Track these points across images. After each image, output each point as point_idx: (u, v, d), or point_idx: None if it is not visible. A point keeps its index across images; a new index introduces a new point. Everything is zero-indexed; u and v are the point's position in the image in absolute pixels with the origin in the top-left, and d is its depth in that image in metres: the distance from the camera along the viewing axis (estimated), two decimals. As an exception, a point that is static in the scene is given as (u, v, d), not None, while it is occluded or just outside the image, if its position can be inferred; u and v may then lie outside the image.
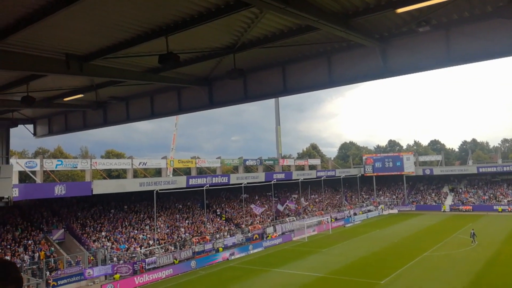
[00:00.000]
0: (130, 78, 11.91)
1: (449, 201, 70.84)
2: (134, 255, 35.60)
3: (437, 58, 9.88)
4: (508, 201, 65.69)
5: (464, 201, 69.15)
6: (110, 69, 11.27)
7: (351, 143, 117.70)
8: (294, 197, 61.91)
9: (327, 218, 55.90)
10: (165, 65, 10.09)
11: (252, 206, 51.73)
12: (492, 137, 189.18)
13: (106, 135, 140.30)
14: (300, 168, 69.25)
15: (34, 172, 34.72)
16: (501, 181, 71.68)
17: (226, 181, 47.91)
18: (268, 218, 53.35)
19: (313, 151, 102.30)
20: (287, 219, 54.27)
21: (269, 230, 48.90)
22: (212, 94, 13.64)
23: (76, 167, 39.91)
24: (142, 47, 9.71)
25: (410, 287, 26.63)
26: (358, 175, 74.16)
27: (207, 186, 44.83)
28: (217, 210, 51.55)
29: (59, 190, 30.29)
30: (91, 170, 38.95)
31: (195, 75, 13.01)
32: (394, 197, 77.15)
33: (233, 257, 39.39)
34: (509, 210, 62.81)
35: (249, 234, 46.55)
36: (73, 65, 10.38)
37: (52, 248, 33.21)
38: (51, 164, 35.86)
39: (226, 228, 47.32)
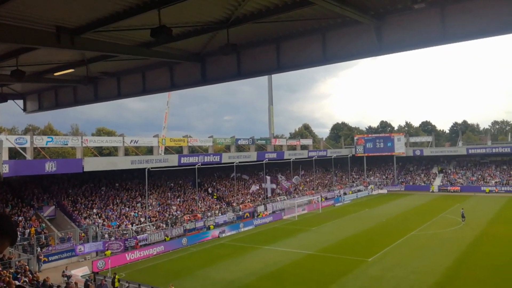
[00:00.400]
0: (121, 52, 11.73)
1: (438, 181, 71.86)
2: (125, 232, 35.80)
3: (431, 36, 9.85)
4: (496, 182, 66.83)
5: (453, 182, 70.21)
6: (102, 42, 11.07)
7: (343, 124, 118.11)
8: (282, 177, 62.29)
9: (318, 198, 56.50)
10: (157, 39, 9.94)
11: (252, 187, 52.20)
12: (482, 119, 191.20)
13: (97, 113, 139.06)
14: (292, 148, 69.48)
15: (24, 149, 34.38)
16: (490, 163, 72.77)
17: (218, 160, 47.97)
18: (259, 197, 53.75)
19: (305, 131, 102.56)
20: (277, 198, 54.75)
21: (260, 208, 49.36)
22: (205, 70, 13.50)
23: (67, 144, 39.53)
24: (134, 20, 9.53)
25: (397, 265, 27.19)
26: (349, 156, 74.69)
27: (199, 165, 44.87)
28: (209, 189, 51.79)
29: (50, 166, 30.11)
30: (82, 148, 38.67)
31: (188, 51, 12.84)
32: (384, 177, 78.05)
33: (223, 235, 39.78)
34: (496, 191, 63.98)
35: (240, 213, 46.96)
36: (64, 38, 10.19)
37: (43, 225, 33.23)
38: (41, 141, 35.50)
39: (217, 206, 47.65)
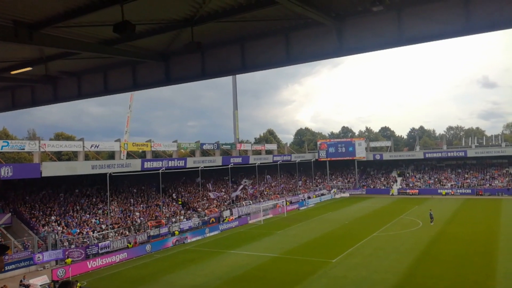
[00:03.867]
0: (83, 50, 11.48)
1: (397, 185, 74.18)
2: (86, 239, 34.73)
3: (389, 38, 10.28)
4: (452, 185, 69.77)
5: (411, 185, 72.70)
6: (62, 39, 10.80)
7: (307, 129, 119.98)
8: (248, 182, 62.44)
9: (283, 202, 56.97)
10: (120, 36, 9.80)
11: (211, 194, 51.79)
12: (438, 125, 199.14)
13: (54, 118, 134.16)
14: (257, 152, 69.81)
15: (-24, 154, 32.79)
16: (446, 166, 75.91)
17: (183, 164, 47.47)
18: (225, 202, 53.58)
19: (270, 136, 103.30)
20: (243, 202, 54.77)
21: (226, 213, 49.21)
22: (169, 70, 13.44)
23: (24, 149, 37.95)
24: (96, 15, 9.39)
25: (360, 265, 27.83)
26: (312, 160, 75.87)
27: (163, 170, 44.23)
28: (173, 194, 51.12)
29: (5, 172, 28.80)
30: (39, 153, 37.24)
31: (152, 49, 12.74)
32: (346, 181, 79.78)
33: (188, 241, 39.35)
34: (452, 193, 66.78)
35: (206, 218, 46.63)
36: (22, 33, 9.87)
37: (-2, 233, 31.72)
38: (-5, 146, 33.97)
39: (182, 212, 47.09)
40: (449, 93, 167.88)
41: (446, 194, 66.97)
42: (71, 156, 63.18)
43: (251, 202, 55.59)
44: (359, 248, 32.84)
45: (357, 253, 31.28)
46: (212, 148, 58.79)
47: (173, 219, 43.63)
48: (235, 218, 48.84)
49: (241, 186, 55.80)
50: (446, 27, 9.60)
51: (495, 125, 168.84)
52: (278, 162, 65.56)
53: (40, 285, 26.16)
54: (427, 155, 74.24)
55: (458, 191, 67.29)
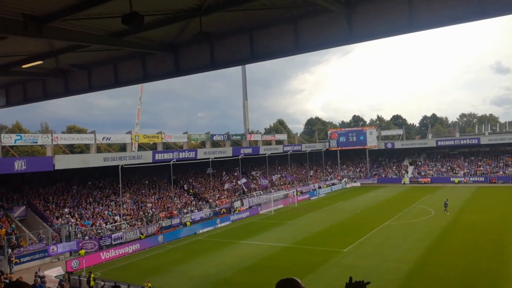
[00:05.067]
0: (92, 42, 11.50)
1: (409, 173, 73.67)
2: (99, 231, 35.20)
3: (400, 24, 10.10)
4: (464, 173, 69.07)
5: (423, 174, 72.13)
6: (71, 31, 10.83)
7: (317, 119, 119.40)
8: (258, 173, 62.51)
9: (293, 192, 57.01)
10: (129, 27, 9.80)
11: (226, 184, 51.95)
12: (451, 112, 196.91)
13: (66, 111, 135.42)
14: (267, 143, 69.74)
15: (-9, 148, 33.25)
16: (458, 154, 75.08)
17: (193, 156, 47.67)
18: (236, 193, 53.78)
19: (280, 126, 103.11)
20: (254, 193, 54.92)
21: (237, 204, 49.43)
22: (178, 61, 13.41)
23: (37, 142, 38.39)
24: (104, 7, 9.39)
25: (372, 254, 27.80)
26: (323, 150, 75.60)
27: (173, 161, 44.49)
28: (185, 185, 51.45)
29: (19, 165, 29.21)
30: (52, 146, 37.65)
31: (161, 41, 12.71)
32: (357, 170, 79.44)
33: (200, 231, 39.67)
34: (465, 181, 66.13)
35: (217, 209, 46.90)
36: (32, 27, 9.90)
37: (13, 225, 32.30)
38: (9, 139, 34.35)
39: (194, 203, 47.41)
40: (462, 79, 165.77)
41: (459, 182, 66.34)
42: (83, 149, 63.87)
43: (261, 192, 55.71)
44: (370, 237, 32.78)
45: (368, 242, 31.23)
46: (222, 139, 58.91)
47: (185, 210, 43.96)
48: (246, 209, 49.03)
49: (244, 179, 55.60)
50: (459, 11, 9.40)
51: (509, 111, 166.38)
52: (289, 152, 65.49)
53: (55, 277, 26.61)
54: (439, 143, 73.48)
55: (471, 179, 66.59)
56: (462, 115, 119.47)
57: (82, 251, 31.44)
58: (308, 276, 23.94)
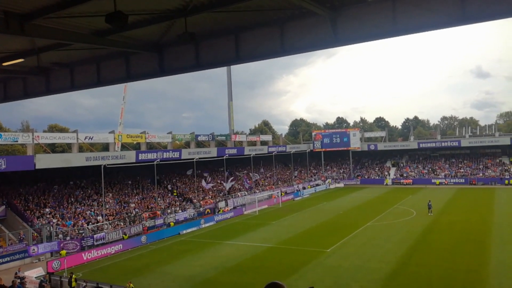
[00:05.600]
0: (75, 41, 11.32)
1: (391, 175, 74.62)
2: (81, 231, 34.71)
3: (384, 28, 10.20)
4: (445, 174, 70.27)
5: (405, 175, 73.14)
6: (54, 30, 10.64)
7: (301, 120, 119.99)
8: (244, 173, 62.52)
9: (278, 192, 57.17)
10: (112, 26, 9.66)
11: (203, 183, 51.74)
12: (432, 115, 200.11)
13: (48, 110, 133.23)
14: (252, 144, 69.76)
15: (-31, 146, 32.51)
16: (439, 156, 76.40)
17: (178, 156, 47.42)
18: (220, 193, 53.66)
19: (265, 127, 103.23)
20: (238, 193, 54.89)
21: (221, 204, 49.34)
22: (163, 61, 13.29)
23: (17, 141, 37.60)
24: (88, 6, 9.25)
25: (354, 254, 28.07)
26: (307, 151, 76.06)
27: (157, 161, 44.16)
28: (169, 186, 51.11)
29: (-1, 164, 28.64)
30: (33, 145, 36.99)
31: (145, 40, 12.59)
32: (341, 171, 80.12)
33: (183, 232, 39.46)
34: (446, 183, 67.31)
35: (201, 209, 46.73)
36: (13, 24, 9.71)
37: (-8, 226, 31.62)
38: (-12, 138, 33.69)
39: (178, 203, 47.14)
40: (443, 83, 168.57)
41: (440, 183, 67.50)
42: (65, 148, 62.88)
43: (246, 193, 55.72)
44: (353, 237, 33.10)
45: (351, 242, 31.53)
46: (207, 139, 58.74)
47: (168, 211, 43.68)
48: (230, 209, 48.98)
49: (231, 179, 55.49)
50: (441, 16, 9.55)
51: (489, 115, 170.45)
52: (273, 153, 65.68)
53: (35, 277, 26.16)
54: (421, 145, 74.67)
55: (452, 180, 67.82)
56: (444, 118, 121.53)
57: (63, 252, 30.98)
58: (292, 276, 24.06)
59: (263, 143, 72.41)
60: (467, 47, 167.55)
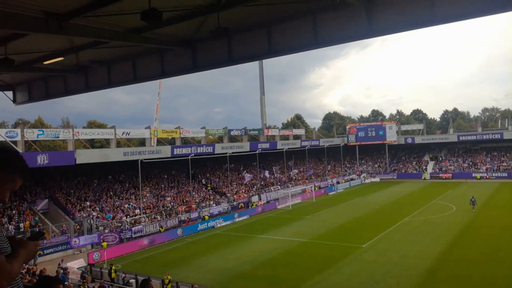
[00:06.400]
0: (111, 38, 11.61)
1: (429, 169, 72.50)
2: (120, 224, 35.79)
3: (420, 17, 9.86)
4: (487, 168, 67.57)
5: (444, 169, 70.87)
6: (91, 28, 10.95)
7: (335, 113, 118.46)
8: (277, 168, 62.47)
9: (311, 187, 56.80)
10: (147, 23, 9.84)
11: (245, 174, 52.15)
12: (473, 106, 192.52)
13: (86, 107, 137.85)
14: (285, 138, 69.57)
15: (15, 142, 34.05)
16: (480, 149, 73.48)
17: (211, 150, 47.95)
18: (253, 187, 53.91)
19: (298, 121, 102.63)
20: (271, 188, 54.95)
21: (254, 198, 49.55)
22: (196, 56, 13.42)
23: (58, 137, 39.23)
24: (123, 4, 9.45)
25: (391, 250, 27.53)
26: (341, 145, 75.03)
27: (192, 156, 44.83)
28: (203, 180, 51.83)
29: (42, 159, 29.90)
30: (73, 140, 38.40)
31: (178, 36, 12.75)
32: (376, 165, 78.56)
33: (218, 226, 39.94)
34: (487, 177, 64.72)
35: (235, 203, 47.12)
36: (53, 24, 10.06)
37: (37, 218, 33.14)
38: (32, 134, 35.19)
39: (212, 197, 47.74)
40: (484, 73, 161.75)
41: (481, 178, 64.97)
42: (104, 144, 64.87)
43: (279, 187, 55.71)
44: (390, 233, 32.46)
45: (387, 238, 30.94)
46: (239, 134, 59.04)
47: (203, 204, 44.31)
48: (263, 203, 49.12)
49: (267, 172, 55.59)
50: (480, 4, 9.14)
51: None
52: (306, 147, 65.22)
53: (77, 268, 27.21)
54: (461, 138, 72.04)
55: (494, 174, 65.11)
56: (485, 110, 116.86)
57: (105, 244, 32.06)
58: (327, 270, 23.92)
59: (296, 137, 72.03)
60: (508, 35, 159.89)
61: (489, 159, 70.35)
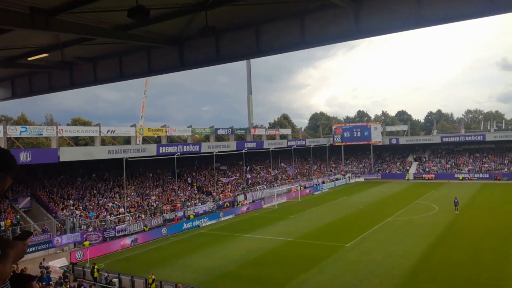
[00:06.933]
0: (98, 35, 11.48)
1: (413, 169, 73.48)
2: (103, 223, 35.41)
3: (407, 19, 10.00)
4: (469, 169, 68.77)
5: (428, 170, 71.91)
6: (77, 24, 10.81)
7: (321, 114, 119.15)
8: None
9: (297, 186, 57.03)
10: (134, 20, 9.79)
11: (223, 179, 52.17)
12: (456, 108, 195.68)
13: (71, 104, 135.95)
14: (271, 137, 69.70)
15: (-4, 139, 33.42)
16: (463, 151, 74.77)
17: (197, 149, 47.77)
18: (239, 187, 53.88)
19: (284, 121, 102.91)
20: (257, 187, 55.00)
21: (240, 198, 49.53)
22: (183, 54, 13.36)
23: (42, 134, 38.56)
24: (110, 1, 9.39)
25: (374, 249, 27.81)
26: (327, 145, 75.54)
27: (178, 155, 44.58)
28: (188, 179, 51.59)
29: (24, 156, 29.38)
30: (57, 138, 37.82)
31: (166, 34, 12.67)
32: (361, 166, 79.33)
33: (203, 225, 39.79)
34: (469, 178, 65.86)
35: (220, 202, 47.02)
36: (38, 20, 9.90)
37: (18, 216, 32.57)
38: (15, 131, 34.54)
39: (197, 196, 47.55)
40: (468, 76, 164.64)
41: (463, 178, 66.12)
42: (88, 141, 64.12)
43: (265, 186, 55.80)
44: (373, 232, 32.79)
45: (371, 237, 31.25)
46: (226, 133, 58.94)
47: (188, 203, 44.12)
48: (249, 203, 49.13)
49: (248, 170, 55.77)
50: (467, 7, 9.30)
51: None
52: (293, 147, 65.47)
53: (59, 267, 26.81)
54: (444, 139, 73.22)
55: (476, 175, 66.32)
56: (468, 112, 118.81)
57: (87, 243, 31.66)
58: (311, 270, 24.04)
59: (283, 137, 72.24)
60: (492, 39, 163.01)
61: (472, 160, 71.62)
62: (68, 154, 33.78)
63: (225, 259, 27.46)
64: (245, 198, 50.07)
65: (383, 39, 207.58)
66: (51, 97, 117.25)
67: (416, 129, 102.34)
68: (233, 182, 54.03)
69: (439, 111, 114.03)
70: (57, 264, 27.58)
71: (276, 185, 57.39)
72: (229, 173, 56.33)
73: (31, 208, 34.80)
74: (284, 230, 35.58)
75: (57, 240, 31.70)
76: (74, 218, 34.22)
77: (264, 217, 43.13)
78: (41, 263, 26.09)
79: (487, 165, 68.72)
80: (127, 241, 33.08)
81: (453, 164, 71.91)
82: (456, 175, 67.41)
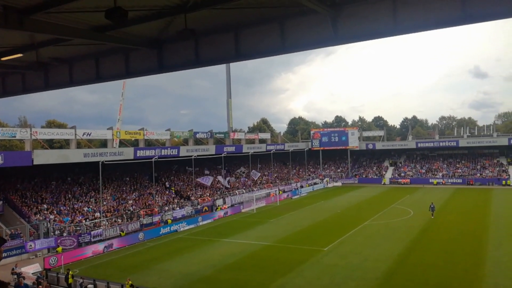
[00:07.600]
0: (74, 36, 11.27)
1: (389, 174, 74.74)
2: (78, 227, 34.67)
3: (384, 27, 10.20)
4: (443, 174, 70.40)
5: (403, 175, 73.26)
6: (53, 25, 10.59)
7: (300, 119, 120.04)
8: (244, 172, 62.52)
9: (275, 191, 57.19)
10: (112, 22, 9.63)
11: (199, 179, 51.80)
12: (431, 115, 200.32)
13: (46, 106, 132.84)
14: (251, 141, 69.80)
15: (-34, 141, 32.39)
16: (437, 156, 76.54)
17: (176, 153, 47.36)
18: (218, 191, 53.66)
19: (264, 125, 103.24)
20: (236, 191, 54.90)
21: (219, 202, 49.32)
22: (162, 57, 13.27)
23: (15, 137, 37.53)
24: (88, 1, 9.25)
25: (352, 253, 28.11)
26: (305, 149, 76.10)
27: (155, 158, 44.11)
28: (166, 183, 51.07)
29: (-4, 159, 28.55)
30: (31, 140, 36.89)
31: (145, 36, 12.56)
32: (338, 170, 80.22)
33: (181, 229, 39.43)
34: (443, 183, 67.43)
35: (199, 206, 46.71)
36: (12, 19, 9.67)
37: (-11, 221, 31.55)
38: (-14, 133, 33.59)
39: (175, 200, 47.11)
40: (442, 83, 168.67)
41: (438, 183, 67.63)
42: (63, 144, 62.70)
43: (244, 191, 55.74)
44: (350, 236, 33.14)
45: (348, 241, 31.57)
46: (205, 137, 58.69)
47: (166, 208, 43.65)
48: (228, 207, 48.97)
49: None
50: (442, 16, 9.56)
51: (487, 115, 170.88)
52: (272, 151, 65.68)
53: (32, 273, 26.08)
54: (419, 145, 74.81)
55: (449, 180, 67.96)
56: (442, 118, 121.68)
57: (60, 248, 30.92)
58: (289, 274, 24.09)
59: (262, 141, 72.43)
60: (465, 47, 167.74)
61: (445, 165, 73.35)
62: (42, 157, 32.98)
63: (203, 264, 27.25)
64: (224, 203, 49.89)
65: (360, 46, 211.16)
66: (25, 98, 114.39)
67: (392, 134, 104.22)
68: (214, 183, 53.71)
69: (414, 117, 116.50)
70: (30, 270, 26.82)
71: (255, 189, 57.39)
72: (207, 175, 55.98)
73: (3, 213, 33.82)
74: (263, 234, 35.59)
75: (30, 246, 30.85)
76: (48, 223, 33.38)
77: (243, 221, 43.05)
78: (13, 269, 25.35)
79: (460, 171, 70.50)
80: (102, 246, 32.44)
81: (428, 169, 73.50)
82: (430, 180, 68.91)
